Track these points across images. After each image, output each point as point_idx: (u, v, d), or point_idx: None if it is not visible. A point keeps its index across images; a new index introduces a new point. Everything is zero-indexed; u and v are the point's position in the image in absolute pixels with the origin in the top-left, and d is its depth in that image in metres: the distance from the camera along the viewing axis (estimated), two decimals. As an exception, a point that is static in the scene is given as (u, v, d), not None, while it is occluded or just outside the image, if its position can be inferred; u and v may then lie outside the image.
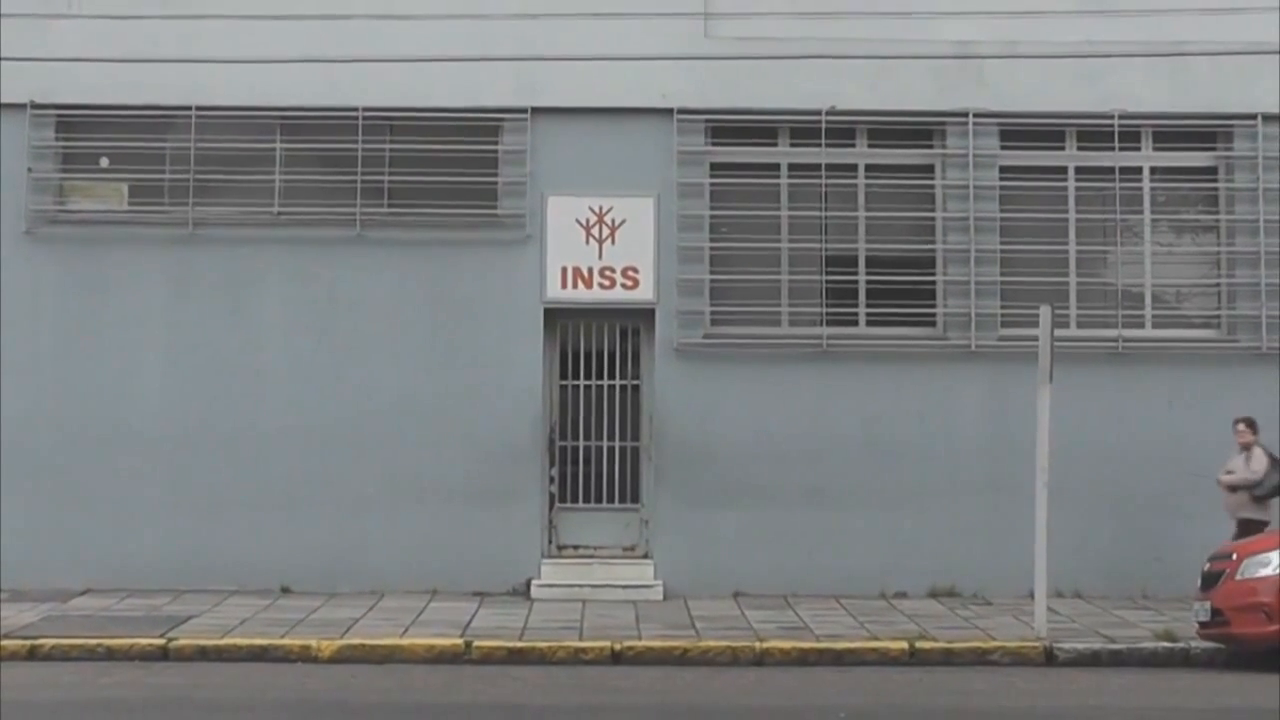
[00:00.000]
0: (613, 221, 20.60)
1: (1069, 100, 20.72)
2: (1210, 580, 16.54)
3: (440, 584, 20.17)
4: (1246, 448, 19.06)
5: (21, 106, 20.60)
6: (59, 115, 20.82)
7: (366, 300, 20.64)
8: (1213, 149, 21.01)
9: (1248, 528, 18.69)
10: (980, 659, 16.61)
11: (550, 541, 20.73)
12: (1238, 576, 16.12)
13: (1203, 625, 16.51)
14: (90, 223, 20.83)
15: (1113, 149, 20.76)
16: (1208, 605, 16.37)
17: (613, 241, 20.60)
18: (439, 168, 20.72)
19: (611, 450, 20.91)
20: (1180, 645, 16.79)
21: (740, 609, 19.23)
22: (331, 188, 20.84)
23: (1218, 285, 21.03)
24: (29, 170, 20.63)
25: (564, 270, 20.59)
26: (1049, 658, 16.61)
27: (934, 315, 20.81)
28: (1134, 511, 20.37)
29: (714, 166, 20.90)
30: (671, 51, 20.34)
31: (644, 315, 20.77)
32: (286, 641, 16.85)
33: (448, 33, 20.15)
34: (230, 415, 20.48)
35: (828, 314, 20.74)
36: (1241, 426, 19.11)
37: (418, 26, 20.07)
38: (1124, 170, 20.86)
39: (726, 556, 20.29)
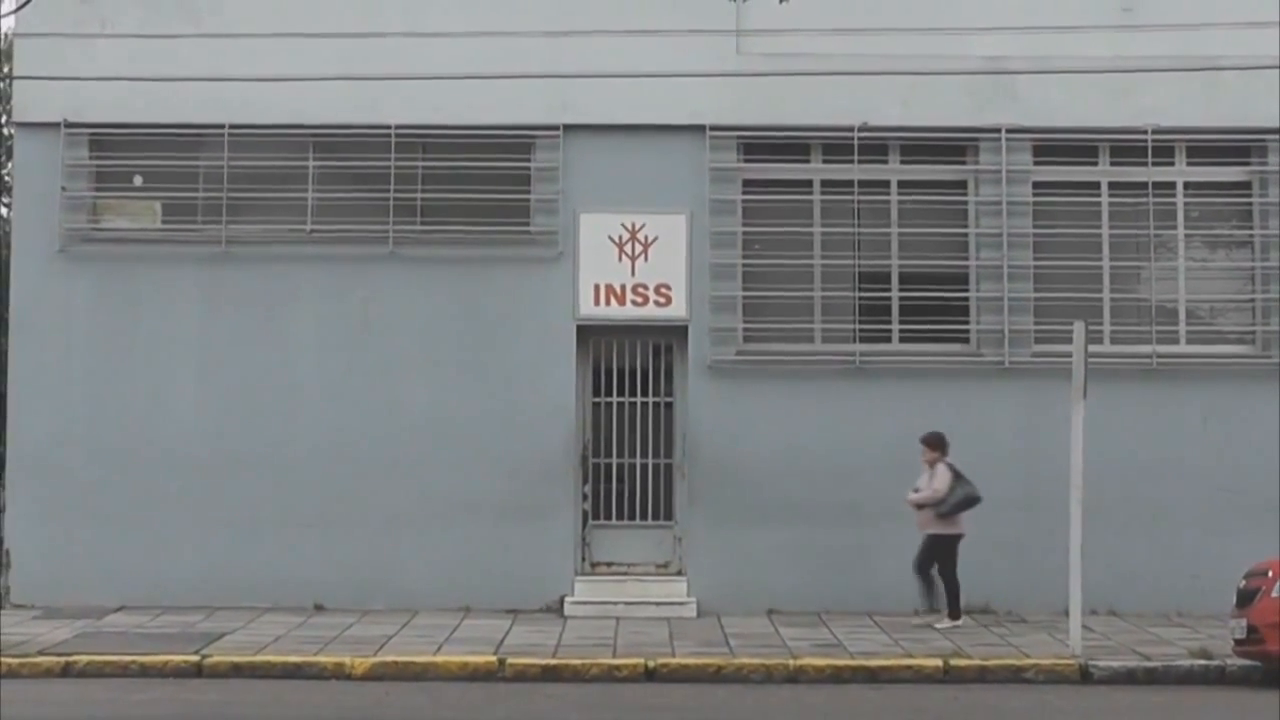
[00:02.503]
0: (645, 238, 20.60)
1: (1102, 115, 20.66)
2: (1246, 598, 16.44)
3: (474, 601, 20.17)
4: (932, 465, 19.03)
5: (55, 125, 20.68)
6: (92, 134, 20.89)
7: (399, 318, 20.66)
8: (1246, 164, 20.93)
9: (937, 544, 18.87)
10: (1015, 676, 16.54)
11: (584, 559, 20.71)
12: (1274, 594, 16.00)
13: (1238, 643, 16.42)
14: (124, 241, 20.88)
15: (1146, 164, 20.70)
16: (1243, 623, 16.27)
17: (645, 258, 20.60)
18: (471, 185, 20.75)
19: (645, 467, 20.90)
20: (1216, 663, 16.70)
21: (774, 626, 19.19)
22: (364, 205, 20.87)
23: (1252, 300, 20.94)
24: (63, 189, 20.70)
25: (597, 287, 20.59)
26: (1084, 675, 16.53)
27: (967, 332, 20.75)
28: (1169, 528, 20.29)
29: (746, 183, 20.89)
30: (704, 68, 20.34)
31: (677, 332, 20.76)
32: (320, 659, 16.86)
33: (480, 50, 20.17)
34: (263, 433, 20.51)
35: (861, 331, 20.70)
36: (923, 446, 19.12)
37: (450, 44, 20.10)
38: (1157, 185, 20.79)
39: (760, 573, 20.26)
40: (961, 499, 18.95)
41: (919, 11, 20.44)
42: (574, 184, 20.69)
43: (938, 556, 19.07)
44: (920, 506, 19.07)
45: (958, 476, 19.01)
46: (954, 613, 19.07)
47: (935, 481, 19.01)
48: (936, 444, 19.21)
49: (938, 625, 18.93)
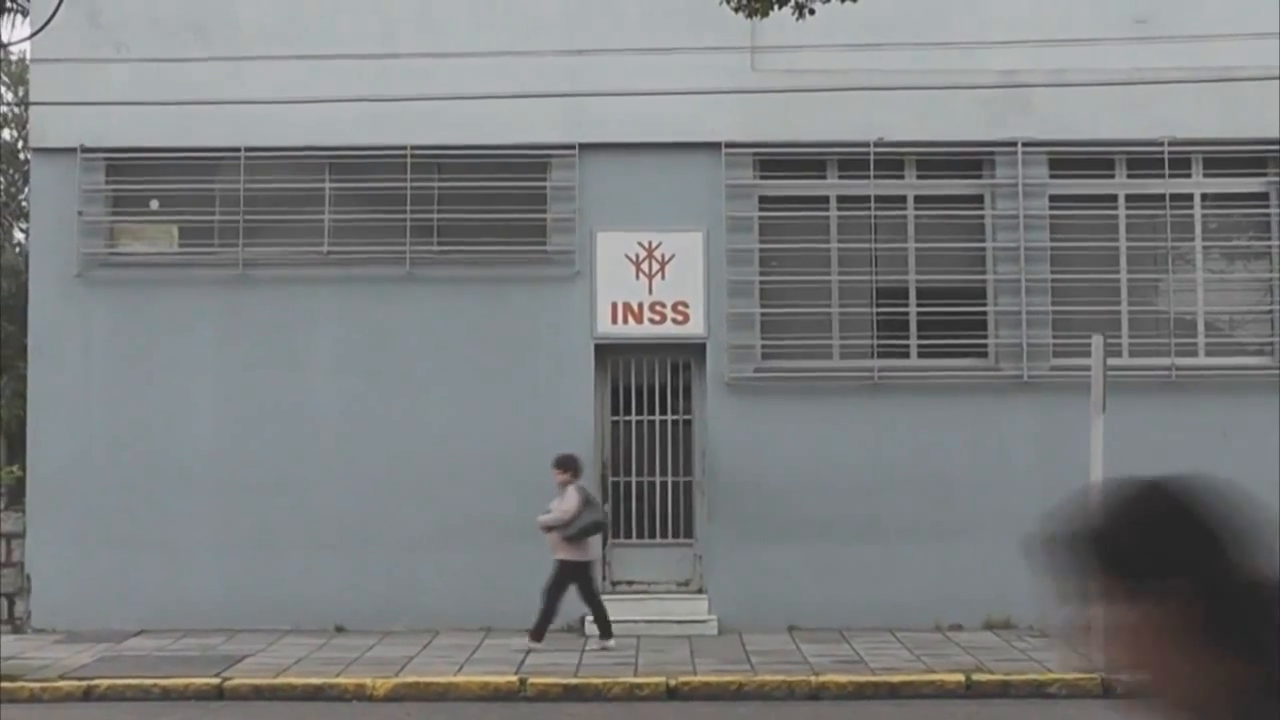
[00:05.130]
0: (662, 256, 20.60)
1: (1118, 128, 20.64)
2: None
3: (494, 621, 20.15)
4: (563, 487, 18.76)
5: (72, 150, 20.73)
6: (109, 159, 20.94)
7: (417, 339, 20.67)
8: (1263, 174, 20.89)
9: (566, 570, 18.56)
10: (1037, 691, 16.52)
11: (604, 577, 20.69)
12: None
13: (1262, 655, 16.34)
14: (141, 265, 20.93)
15: (1163, 176, 20.67)
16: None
17: (662, 276, 20.60)
18: (488, 205, 20.77)
19: (664, 485, 20.89)
20: (1240, 675, 16.62)
21: (795, 643, 19.16)
22: (381, 227, 20.89)
23: (1270, 312, 20.90)
24: (79, 213, 20.75)
25: (614, 306, 20.59)
26: (1107, 690, 16.48)
27: (985, 346, 20.73)
28: (1190, 541, 20.19)
29: (763, 200, 20.89)
30: (719, 86, 20.35)
31: (695, 350, 20.75)
32: (341, 680, 16.86)
33: (495, 70, 20.21)
34: (282, 455, 20.52)
35: (879, 346, 20.69)
36: (554, 469, 18.81)
37: (465, 64, 20.13)
38: (1174, 197, 20.76)
39: (780, 590, 20.23)
40: (587, 524, 18.59)
41: (934, 26, 20.44)
42: (590, 203, 20.71)
43: (566, 581, 18.62)
44: (549, 529, 18.74)
45: (587, 501, 18.69)
46: (537, 634, 18.60)
47: (563, 504, 18.60)
48: (567, 466, 18.83)
49: (607, 644, 18.66)
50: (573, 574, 18.67)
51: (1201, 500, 3.11)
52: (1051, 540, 3.16)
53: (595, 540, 18.96)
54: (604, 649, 18.64)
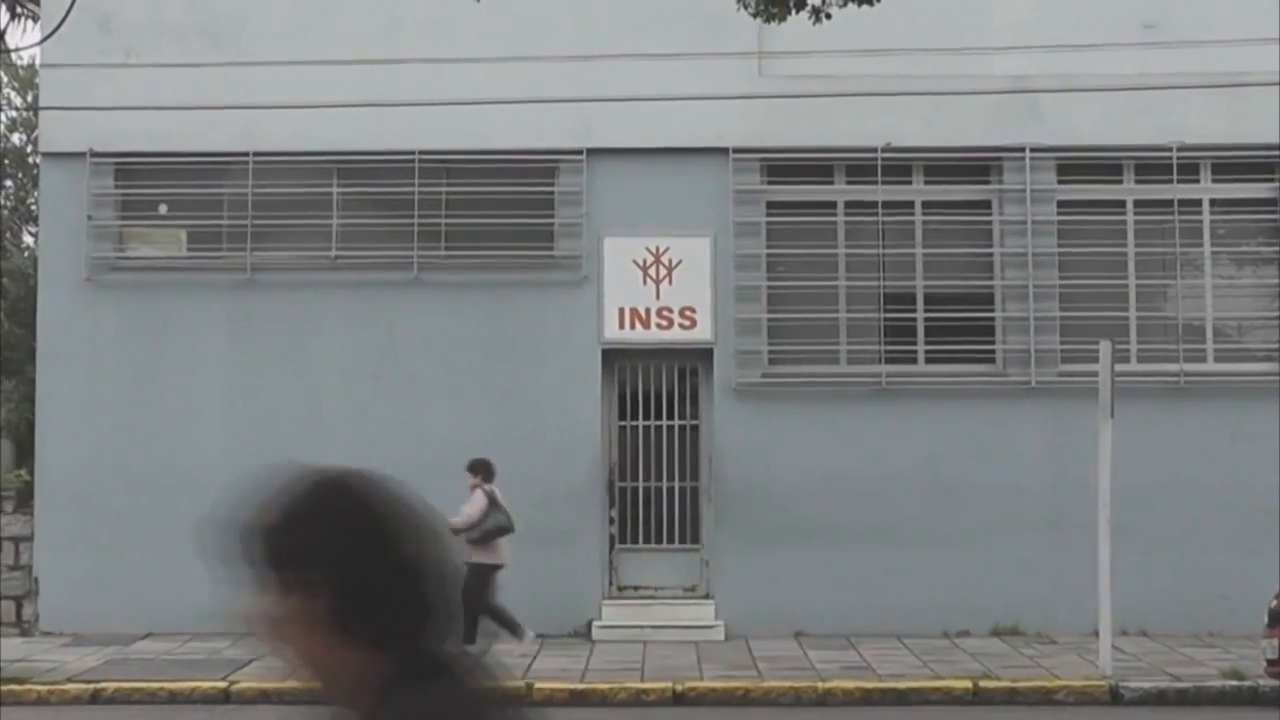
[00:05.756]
0: (669, 262, 20.60)
1: (1126, 133, 20.62)
2: (1277, 617, 16.34)
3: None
4: (473, 491, 18.89)
5: (81, 155, 20.76)
6: (117, 163, 20.96)
7: (424, 343, 20.68)
8: (1272, 180, 20.85)
9: (474, 572, 18.42)
10: (1045, 698, 16.50)
11: (611, 583, 20.70)
12: (1305, 612, 15.94)
13: (1270, 663, 16.31)
14: (149, 269, 20.95)
15: (1171, 181, 20.65)
16: (1275, 643, 16.15)
17: (670, 282, 20.59)
18: (495, 210, 20.78)
19: (671, 491, 20.88)
20: (1248, 684, 16.62)
21: (802, 649, 19.15)
22: (388, 231, 20.91)
23: (1279, 317, 20.85)
24: (89, 218, 20.78)
25: (621, 311, 20.59)
26: (1115, 697, 16.48)
27: (993, 352, 20.71)
28: (1199, 548, 20.19)
29: (770, 205, 20.88)
30: (726, 91, 20.34)
31: (702, 355, 20.74)
32: (347, 685, 16.82)
33: (503, 75, 20.22)
34: (289, 459, 20.45)
35: (886, 352, 20.67)
36: (466, 471, 18.97)
37: (473, 69, 20.13)
38: (1183, 203, 20.73)
39: (787, 596, 20.22)
40: (491, 527, 18.71)
41: (941, 31, 20.41)
42: (598, 208, 20.71)
43: (472, 583, 18.75)
44: (457, 532, 18.82)
45: (493, 504, 18.80)
46: (515, 632, 18.79)
47: (469, 507, 18.72)
48: (477, 470, 19.02)
49: (520, 650, 18.66)
50: (479, 575, 18.71)
51: (357, 493, 3.18)
52: (226, 529, 3.17)
53: (505, 543, 19.00)
54: (521, 654, 18.64)
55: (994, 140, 20.68)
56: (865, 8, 15.06)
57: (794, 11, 14.89)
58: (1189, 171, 20.75)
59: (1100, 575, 17.20)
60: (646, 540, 20.85)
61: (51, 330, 20.93)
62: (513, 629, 18.84)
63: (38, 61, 25.00)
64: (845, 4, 14.92)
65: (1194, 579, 20.13)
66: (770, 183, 20.90)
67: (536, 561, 20.27)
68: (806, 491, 20.32)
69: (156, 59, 20.55)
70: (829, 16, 14.93)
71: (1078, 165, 20.76)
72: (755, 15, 15.08)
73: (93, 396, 20.69)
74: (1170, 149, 20.56)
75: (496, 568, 18.84)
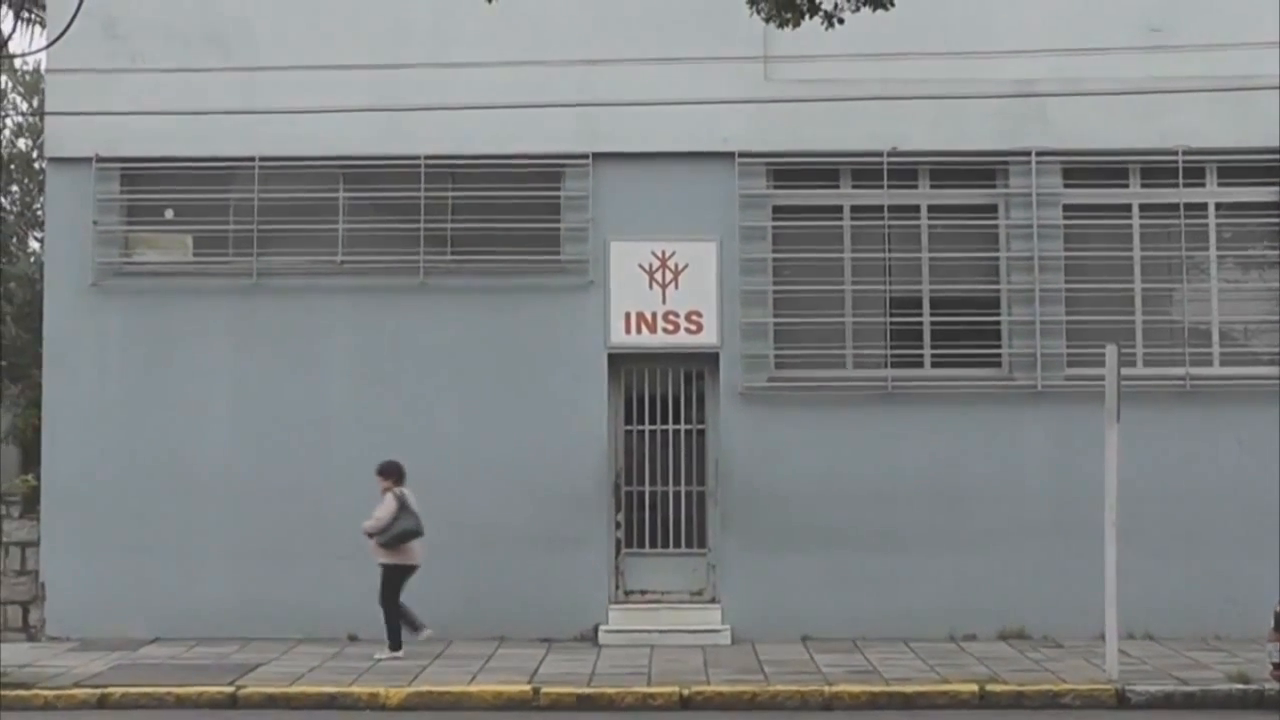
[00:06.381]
0: (676, 266, 20.59)
1: (1132, 137, 20.60)
2: (1284, 620, 16.35)
3: (507, 630, 20.16)
4: (384, 494, 19.09)
5: (87, 160, 20.77)
6: (123, 168, 20.97)
7: (430, 348, 20.68)
8: (1277, 184, 20.81)
9: (385, 573, 18.99)
10: (1052, 702, 16.48)
11: (617, 587, 20.69)
12: (1312, 616, 15.92)
13: (1276, 666, 16.23)
14: (155, 274, 20.96)
15: (1177, 185, 20.64)
16: (1281, 646, 16.17)
17: (676, 286, 20.59)
18: (501, 214, 20.78)
19: (677, 495, 20.87)
20: (1254, 687, 16.59)
21: (808, 653, 19.14)
22: (394, 236, 20.91)
23: (1285, 321, 20.87)
24: (94, 223, 20.79)
25: (628, 315, 20.59)
26: (1121, 700, 16.46)
27: (999, 356, 20.69)
28: (1205, 551, 20.17)
29: (776, 209, 20.87)
30: (732, 95, 20.35)
31: (708, 359, 20.74)
32: (354, 689, 16.87)
33: (509, 79, 20.22)
34: (295, 464, 20.53)
35: (892, 356, 20.66)
36: (377, 475, 19.19)
37: (479, 74, 20.13)
38: (1188, 206, 20.72)
39: (794, 600, 20.21)
40: (401, 530, 18.93)
41: (948, 36, 20.42)
42: (604, 212, 20.71)
43: (393, 583, 19.06)
44: (369, 535, 19.07)
45: (403, 507, 19.00)
46: (394, 644, 18.96)
47: (379, 511, 19.00)
48: (387, 473, 19.22)
49: (378, 655, 18.82)
50: (390, 577, 19.04)
51: None
52: None
53: (417, 545, 19.16)
54: (393, 658, 18.81)
55: (1000, 144, 20.67)
56: (863, 14, 15.06)
57: (807, 16, 14.89)
58: (1195, 175, 20.74)
59: (1107, 579, 17.20)
60: (653, 545, 20.84)
61: (57, 335, 20.93)
62: (413, 625, 19.15)
63: (43, 66, 24.98)
64: (859, 8, 14.93)
65: (1200, 583, 20.12)
66: (776, 187, 20.89)
67: (543, 566, 20.31)
68: (813, 495, 20.32)
69: (163, 64, 20.58)
70: (841, 21, 14.94)
71: (1083, 169, 20.74)
72: (768, 20, 15.09)
73: (99, 402, 20.70)
74: (1176, 153, 20.56)
75: (409, 569, 19.14)
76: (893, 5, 14.91)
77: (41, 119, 26.64)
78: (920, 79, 20.22)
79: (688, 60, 20.08)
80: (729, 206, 20.66)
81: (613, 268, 20.63)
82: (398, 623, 19.06)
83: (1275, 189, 20.82)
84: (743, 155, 20.65)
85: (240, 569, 20.41)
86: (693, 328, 20.60)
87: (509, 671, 17.83)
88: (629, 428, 20.91)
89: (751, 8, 15.03)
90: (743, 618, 20.22)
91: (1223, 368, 20.74)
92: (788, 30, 15.23)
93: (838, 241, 20.89)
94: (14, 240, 34.90)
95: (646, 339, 20.62)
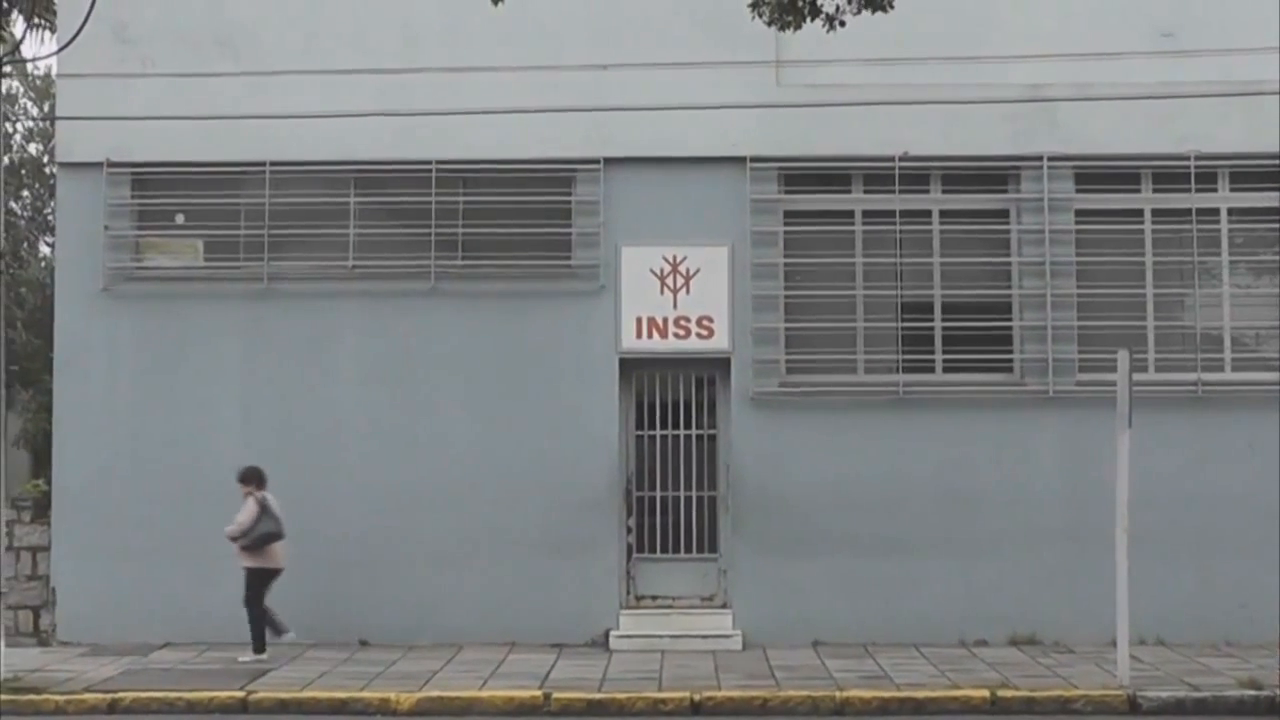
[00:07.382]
0: (687, 271, 20.58)
1: (1144, 142, 20.57)
2: (1296, 626, 16.35)
3: (518, 636, 20.15)
4: (246, 498, 19.22)
5: (98, 165, 20.79)
6: (134, 173, 20.98)
7: (441, 353, 20.68)
8: (1290, 189, 20.81)
9: (249, 576, 19.11)
10: (1063, 708, 16.46)
11: (628, 592, 20.67)
12: (1324, 622, 15.91)
13: (1288, 671, 16.34)
14: (166, 279, 20.97)
15: (1189, 190, 20.61)
16: (1293, 651, 16.18)
17: (687, 291, 20.58)
18: (512, 219, 20.78)
19: (688, 500, 20.85)
20: (1266, 693, 16.57)
21: (820, 658, 19.12)
22: (406, 241, 20.90)
23: (1297, 327, 20.84)
24: (105, 228, 20.80)
25: (639, 320, 20.58)
26: (1133, 706, 16.43)
27: (1011, 361, 20.67)
28: (1217, 557, 20.14)
29: (788, 214, 20.86)
30: (743, 100, 20.35)
31: (719, 364, 20.72)
32: (366, 694, 16.86)
33: (520, 85, 20.23)
34: (306, 469, 20.52)
35: (904, 361, 20.64)
36: (238, 481, 19.33)
37: (490, 78, 20.15)
38: (1201, 212, 20.69)
39: (805, 605, 20.20)
40: (262, 534, 19.08)
41: (959, 41, 20.40)
42: (615, 217, 20.70)
43: (257, 586, 19.20)
44: (232, 539, 19.17)
45: (265, 511, 19.12)
46: (258, 647, 19.12)
47: (241, 515, 19.13)
48: (248, 479, 19.35)
49: (241, 658, 18.96)
50: (253, 579, 19.15)
51: None
52: None
53: (280, 548, 19.29)
54: (258, 660, 18.94)
55: (1012, 149, 20.65)
56: (880, 15, 15.08)
57: (808, 19, 14.90)
58: (1206, 180, 20.71)
59: (1118, 584, 17.16)
60: (664, 550, 20.83)
61: (68, 340, 20.95)
62: (276, 629, 19.27)
63: (54, 71, 25.02)
64: (859, 11, 14.95)
65: (1212, 588, 20.09)
66: (788, 192, 20.87)
67: (554, 571, 20.29)
68: (824, 501, 20.31)
69: (173, 69, 20.60)
70: (843, 24, 14.98)
71: (1095, 174, 20.72)
72: (770, 23, 15.11)
73: (110, 406, 20.71)
74: (1188, 158, 20.53)
75: (273, 572, 19.30)
76: (892, 7, 14.94)
77: (52, 124, 26.73)
78: (932, 84, 20.21)
79: (699, 65, 20.08)
80: (740, 211, 20.65)
81: (624, 273, 20.63)
82: (263, 626, 19.19)
83: (1287, 194, 20.79)
84: (754, 160, 20.63)
85: (251, 574, 20.41)
86: (704, 333, 20.59)
87: (520, 677, 17.83)
88: (640, 433, 20.90)
89: (753, 11, 15.05)
90: (754, 623, 20.20)
91: (1235, 373, 20.70)
92: (799, 35, 15.25)
93: (849, 246, 20.86)
94: (25, 245, 34.98)
95: (658, 344, 20.61)
